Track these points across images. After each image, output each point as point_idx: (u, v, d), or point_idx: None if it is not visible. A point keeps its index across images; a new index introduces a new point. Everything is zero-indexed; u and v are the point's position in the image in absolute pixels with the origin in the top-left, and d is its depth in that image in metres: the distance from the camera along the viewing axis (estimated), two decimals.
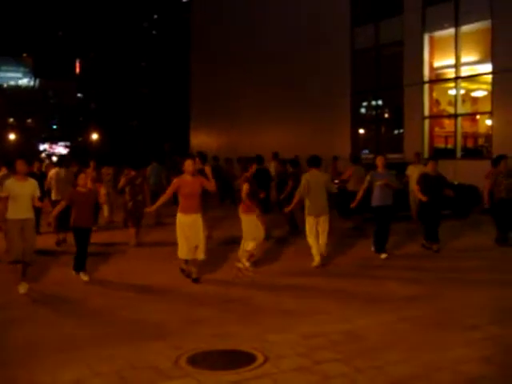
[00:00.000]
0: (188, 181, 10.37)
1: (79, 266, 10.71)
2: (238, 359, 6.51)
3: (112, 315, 8.49)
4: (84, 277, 10.61)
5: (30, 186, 10.06)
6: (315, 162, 12.01)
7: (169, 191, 10.70)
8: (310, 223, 11.77)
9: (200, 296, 9.53)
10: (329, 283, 10.46)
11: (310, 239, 11.77)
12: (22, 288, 9.79)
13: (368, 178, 12.73)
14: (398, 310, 8.49)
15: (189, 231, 10.22)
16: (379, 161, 12.85)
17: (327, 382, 5.85)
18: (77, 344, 7.18)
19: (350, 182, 16.83)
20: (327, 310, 8.53)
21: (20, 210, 9.85)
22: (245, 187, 11.16)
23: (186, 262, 10.52)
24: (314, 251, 11.72)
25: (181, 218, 10.32)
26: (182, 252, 10.32)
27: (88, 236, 10.88)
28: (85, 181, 10.85)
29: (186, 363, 6.40)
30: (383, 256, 12.48)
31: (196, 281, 10.30)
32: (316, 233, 11.73)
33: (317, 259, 11.67)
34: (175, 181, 10.57)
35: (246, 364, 6.33)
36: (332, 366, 6.26)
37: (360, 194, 12.75)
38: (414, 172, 16.46)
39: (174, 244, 10.52)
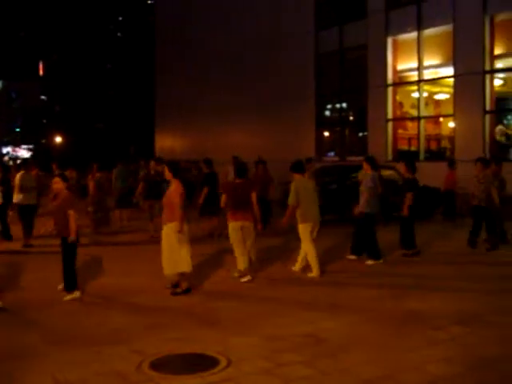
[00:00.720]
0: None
1: (67, 284, 9.75)
2: (201, 363, 6.47)
3: (73, 320, 8.39)
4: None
5: None
6: (299, 167, 11.58)
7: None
8: (307, 230, 11.20)
9: (163, 301, 9.45)
10: (293, 286, 10.46)
11: (312, 246, 11.23)
12: None
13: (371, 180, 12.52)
14: (362, 311, 8.54)
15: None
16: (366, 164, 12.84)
17: None
18: (38, 351, 7.07)
19: None
20: (291, 313, 8.53)
21: None
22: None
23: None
24: (301, 258, 11.49)
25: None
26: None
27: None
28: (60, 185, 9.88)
29: (149, 368, 6.34)
30: (352, 257, 12.57)
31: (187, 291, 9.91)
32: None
33: (316, 269, 11.18)
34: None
35: (210, 368, 6.30)
36: (295, 368, 6.26)
37: None
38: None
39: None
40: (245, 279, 10.71)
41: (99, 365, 6.48)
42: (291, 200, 11.13)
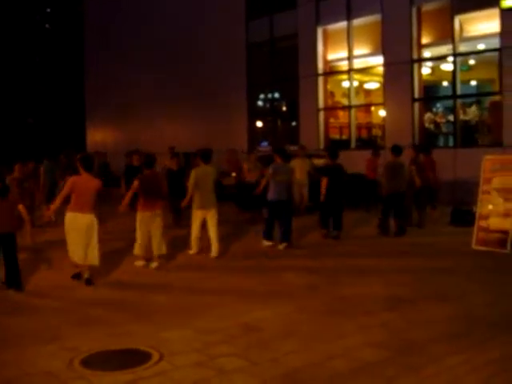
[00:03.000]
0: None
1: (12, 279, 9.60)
2: (133, 358, 6.41)
3: (3, 319, 8.18)
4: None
5: None
6: (206, 156, 12.28)
7: None
8: (197, 216, 12.04)
9: (93, 297, 9.33)
10: (224, 276, 10.50)
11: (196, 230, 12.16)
12: None
13: (270, 170, 12.97)
14: (295, 300, 8.62)
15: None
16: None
17: (224, 377, 5.84)
18: None
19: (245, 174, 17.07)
20: (223, 304, 8.53)
21: None
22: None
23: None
24: (194, 240, 12.22)
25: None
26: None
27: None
28: None
29: (80, 365, 6.23)
30: (281, 246, 12.83)
31: (89, 282, 9.98)
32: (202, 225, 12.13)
33: (194, 248, 12.27)
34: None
35: (142, 363, 6.24)
36: (228, 360, 6.26)
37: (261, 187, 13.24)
38: (298, 165, 16.56)
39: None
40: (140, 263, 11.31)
41: (28, 365, 6.32)
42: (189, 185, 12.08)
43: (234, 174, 17.54)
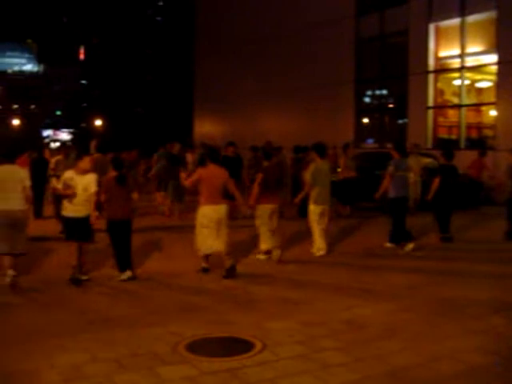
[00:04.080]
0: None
1: (124, 265, 9.78)
2: (236, 346, 6.50)
3: (111, 302, 8.48)
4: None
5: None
6: (321, 150, 11.89)
7: None
8: (316, 212, 11.61)
9: (198, 284, 9.52)
10: (329, 272, 10.43)
11: (318, 228, 11.67)
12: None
13: (391, 167, 12.35)
14: (399, 299, 8.48)
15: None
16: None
17: (326, 371, 5.82)
18: (77, 329, 7.19)
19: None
20: (327, 299, 8.50)
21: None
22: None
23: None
24: (322, 240, 11.66)
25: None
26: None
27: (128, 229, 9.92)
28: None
29: (185, 350, 6.38)
30: (389, 245, 12.47)
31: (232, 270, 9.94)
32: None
33: (324, 248, 11.67)
34: None
35: (245, 351, 6.31)
36: (331, 354, 6.24)
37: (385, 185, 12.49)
38: (411, 163, 16.22)
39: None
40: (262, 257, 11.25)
41: (136, 345, 6.54)
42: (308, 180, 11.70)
43: (339, 170, 17.47)
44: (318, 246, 11.68)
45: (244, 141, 26.23)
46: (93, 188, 9.43)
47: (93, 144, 17.85)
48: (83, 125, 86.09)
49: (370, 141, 29.14)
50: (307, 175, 11.88)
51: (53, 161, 15.58)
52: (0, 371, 5.92)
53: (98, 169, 15.32)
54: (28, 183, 9.34)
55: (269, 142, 19.95)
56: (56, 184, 12.22)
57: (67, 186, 9.39)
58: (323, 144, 12.11)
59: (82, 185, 9.39)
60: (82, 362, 6.10)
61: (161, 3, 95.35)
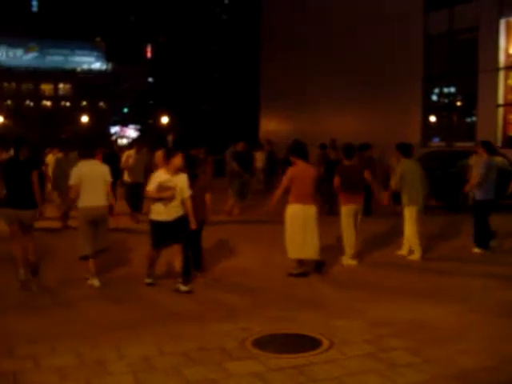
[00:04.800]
0: None
1: (196, 264, 9.77)
2: (303, 343, 6.50)
3: (180, 296, 8.59)
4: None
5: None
6: (406, 150, 11.40)
7: None
8: (411, 215, 11.08)
9: (264, 281, 9.54)
10: (398, 273, 10.27)
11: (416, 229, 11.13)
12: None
13: (484, 167, 11.65)
14: (470, 300, 8.28)
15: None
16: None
17: (394, 370, 5.78)
18: (145, 322, 7.34)
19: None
20: (396, 299, 8.39)
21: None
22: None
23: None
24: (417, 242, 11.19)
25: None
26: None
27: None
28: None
29: (252, 345, 6.43)
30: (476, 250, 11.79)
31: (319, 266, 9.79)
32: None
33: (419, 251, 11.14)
34: None
35: (312, 348, 6.32)
36: (399, 354, 6.19)
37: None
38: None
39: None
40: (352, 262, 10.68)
41: (203, 340, 6.62)
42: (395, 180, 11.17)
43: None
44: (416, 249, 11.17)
45: (310, 138, 25.99)
46: (187, 191, 8.85)
47: (169, 138, 18.00)
48: (150, 121, 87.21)
49: (437, 139, 28.69)
50: (394, 176, 11.36)
51: (124, 155, 15.88)
52: (69, 361, 6.08)
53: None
54: (109, 178, 9.35)
55: (333, 139, 19.84)
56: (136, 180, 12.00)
57: (165, 188, 8.63)
58: (409, 143, 11.70)
59: (177, 186, 8.72)
60: (150, 354, 6.23)
61: (226, 1, 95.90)
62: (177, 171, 8.79)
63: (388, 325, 7.10)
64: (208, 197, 9.66)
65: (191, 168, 9.48)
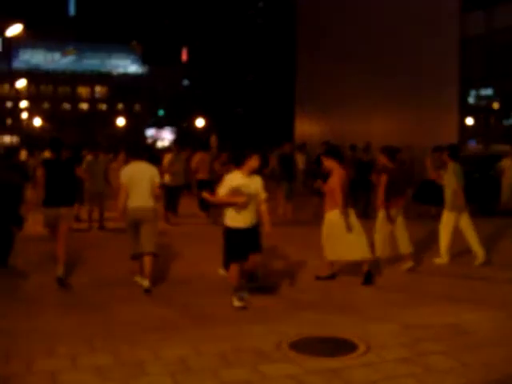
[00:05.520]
0: None
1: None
2: (339, 347, 6.48)
3: (217, 297, 8.61)
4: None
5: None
6: (455, 152, 11.09)
7: None
8: (450, 220, 10.90)
9: (300, 283, 9.53)
10: (435, 277, 10.15)
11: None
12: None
13: None
14: (508, 306, 8.17)
15: None
16: None
17: (431, 375, 5.73)
18: (181, 323, 7.39)
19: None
20: (434, 303, 8.30)
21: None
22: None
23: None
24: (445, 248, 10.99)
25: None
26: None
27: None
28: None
29: (289, 348, 6.43)
30: None
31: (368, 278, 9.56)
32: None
33: (445, 256, 10.96)
34: None
35: (348, 352, 6.29)
36: (437, 358, 6.13)
37: None
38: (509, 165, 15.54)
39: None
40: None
41: (239, 341, 6.65)
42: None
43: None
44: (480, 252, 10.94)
45: (345, 140, 26.05)
46: (264, 193, 8.28)
47: (213, 139, 18.02)
48: (184, 124, 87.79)
49: (473, 142, 28.40)
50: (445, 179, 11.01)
51: (166, 158, 15.99)
52: (107, 361, 6.15)
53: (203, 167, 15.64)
54: (158, 180, 9.31)
55: (369, 142, 19.74)
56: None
57: (238, 193, 7.94)
58: (457, 145, 11.49)
59: (252, 189, 8.10)
60: (186, 355, 6.26)
61: (261, 4, 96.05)
62: (251, 173, 8.18)
63: (425, 329, 7.04)
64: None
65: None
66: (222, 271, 9.18)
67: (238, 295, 8.11)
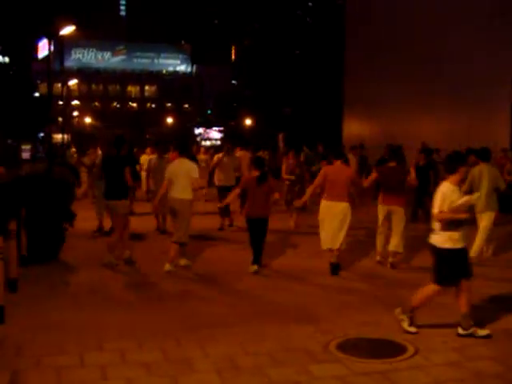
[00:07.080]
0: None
1: (255, 259, 10.08)
2: (387, 349, 6.47)
3: (264, 297, 8.65)
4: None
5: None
6: (484, 154, 11.20)
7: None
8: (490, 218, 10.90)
9: (342, 285, 9.47)
10: (487, 282, 9.93)
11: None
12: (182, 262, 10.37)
13: None
14: None
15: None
16: None
17: (480, 380, 5.68)
18: (228, 321, 7.44)
19: None
20: (484, 306, 8.15)
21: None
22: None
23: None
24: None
25: None
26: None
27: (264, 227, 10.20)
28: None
29: (336, 349, 6.43)
30: None
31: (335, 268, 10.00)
32: None
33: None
34: None
35: (396, 354, 6.27)
36: (486, 363, 6.07)
37: None
38: None
39: None
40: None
41: (287, 341, 6.67)
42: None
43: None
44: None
45: (394, 140, 25.81)
46: None
47: (280, 137, 17.94)
48: (232, 123, 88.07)
49: None
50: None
51: (215, 157, 15.94)
52: (155, 357, 6.24)
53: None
54: (194, 175, 10.17)
55: (424, 142, 19.58)
56: None
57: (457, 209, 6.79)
58: (486, 148, 11.42)
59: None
60: (234, 353, 6.33)
61: (310, 4, 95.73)
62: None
63: None
64: (276, 196, 10.46)
65: (259, 168, 10.22)
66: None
67: (467, 322, 6.93)
